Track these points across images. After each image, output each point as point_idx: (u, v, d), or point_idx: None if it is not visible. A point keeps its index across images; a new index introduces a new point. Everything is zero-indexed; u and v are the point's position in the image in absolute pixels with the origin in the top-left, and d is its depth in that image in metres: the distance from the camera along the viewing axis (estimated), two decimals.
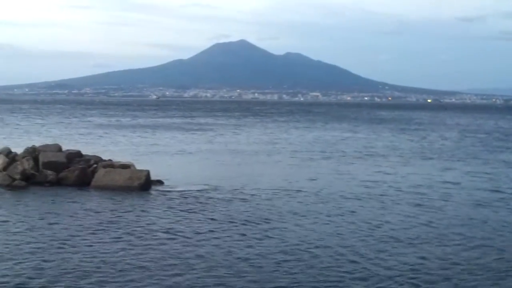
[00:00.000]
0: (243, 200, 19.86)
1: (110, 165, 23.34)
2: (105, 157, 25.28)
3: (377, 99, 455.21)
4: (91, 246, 13.45)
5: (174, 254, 13.02)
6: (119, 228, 15.30)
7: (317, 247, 13.90)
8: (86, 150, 26.80)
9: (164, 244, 13.87)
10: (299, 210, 18.35)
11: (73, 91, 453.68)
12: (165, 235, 14.72)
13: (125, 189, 21.36)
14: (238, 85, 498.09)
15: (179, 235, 14.75)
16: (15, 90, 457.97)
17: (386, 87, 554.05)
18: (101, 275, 11.35)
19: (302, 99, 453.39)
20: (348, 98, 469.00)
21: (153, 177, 22.62)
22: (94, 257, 12.55)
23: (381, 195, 21.45)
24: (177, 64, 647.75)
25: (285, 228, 15.82)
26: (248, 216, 17.21)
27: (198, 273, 11.67)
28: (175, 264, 12.20)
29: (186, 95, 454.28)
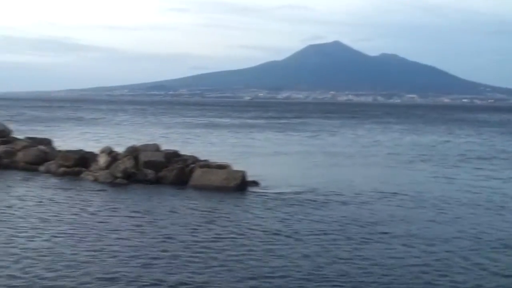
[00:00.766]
0: (342, 202, 19.45)
1: (206, 165, 23.59)
2: (201, 157, 25.57)
3: (477, 101, 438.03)
4: (195, 244, 13.50)
5: (279, 253, 12.90)
6: (219, 227, 15.37)
7: (424, 252, 13.35)
8: (183, 150, 27.24)
9: (267, 243, 13.78)
10: (400, 214, 17.74)
11: (169, 92, 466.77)
12: (266, 235, 14.63)
13: (221, 189, 21.48)
14: (332, 87, 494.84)
15: (280, 235, 14.60)
16: (115, 91, 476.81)
17: (488, 89, 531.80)
18: (210, 272, 11.37)
19: (398, 101, 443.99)
20: (447, 100, 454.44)
21: (249, 178, 22.62)
22: (200, 253, 12.64)
23: (487, 201, 20.39)
24: (271, 66, 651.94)
25: (389, 232, 15.29)
26: (349, 218, 16.79)
27: (306, 274, 11.50)
28: (282, 265, 12.08)
29: (279, 96, 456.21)
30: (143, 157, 23.61)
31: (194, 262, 12.08)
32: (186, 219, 16.30)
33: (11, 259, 11.86)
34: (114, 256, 12.29)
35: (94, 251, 12.63)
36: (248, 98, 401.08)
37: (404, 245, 13.97)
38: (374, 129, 67.42)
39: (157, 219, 16.14)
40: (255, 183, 22.78)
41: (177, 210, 17.61)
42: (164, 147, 26.79)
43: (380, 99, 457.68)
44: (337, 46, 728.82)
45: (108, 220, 15.83)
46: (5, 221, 15.39)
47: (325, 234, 14.92)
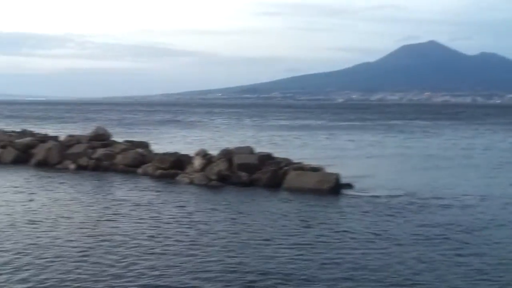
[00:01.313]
0: (441, 206, 18.67)
1: (300, 167, 23.43)
2: (294, 159, 25.43)
3: None
4: (292, 246, 13.33)
5: (375, 257, 12.61)
6: (314, 230, 15.17)
7: None
8: (276, 153, 27.20)
9: (363, 247, 13.50)
10: (505, 218, 16.88)
11: (262, 95, 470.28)
12: (362, 238, 14.31)
13: (315, 192, 21.24)
14: (427, 88, 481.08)
15: (377, 239, 14.25)
16: (209, 94, 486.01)
17: None
18: (307, 274, 11.19)
19: (498, 101, 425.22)
20: None
21: (343, 180, 22.24)
22: (297, 255, 12.46)
23: None
24: (364, 67, 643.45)
25: (492, 237, 14.57)
26: (450, 223, 16.11)
27: (403, 279, 11.16)
28: (378, 269, 11.77)
29: (372, 98, 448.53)
30: (237, 160, 23.77)
31: (292, 263, 11.98)
32: (280, 221, 16.18)
33: (117, 258, 12.17)
34: (207, 257, 12.34)
35: (191, 255, 12.72)
36: (341, 100, 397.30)
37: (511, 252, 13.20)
38: (473, 131, 64.84)
39: (252, 221, 16.12)
40: (349, 186, 22.36)
41: (271, 212, 17.53)
42: (258, 149, 26.88)
43: (480, 99, 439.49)
44: (432, 46, 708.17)
45: (204, 222, 15.96)
46: (108, 220, 15.87)
47: (424, 238, 14.35)
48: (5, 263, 11.67)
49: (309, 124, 78.17)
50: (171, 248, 13.08)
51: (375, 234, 14.78)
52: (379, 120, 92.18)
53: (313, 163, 24.91)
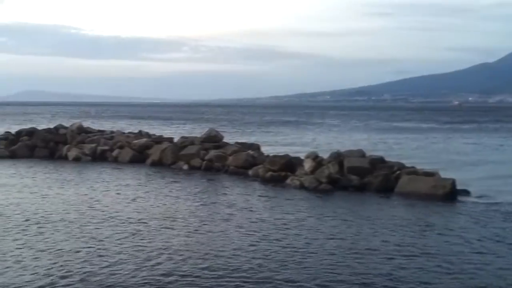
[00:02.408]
0: None
1: (413, 172, 22.68)
2: (407, 163, 24.68)
3: None
4: (411, 257, 12.84)
5: (496, 267, 12.03)
6: (430, 236, 14.60)
7: None
8: (388, 156, 26.53)
9: (481, 255, 12.85)
10: None
11: (372, 98, 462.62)
12: (480, 246, 13.59)
13: (428, 197, 20.46)
14: None
15: (497, 248, 13.48)
16: (318, 97, 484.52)
17: None
18: (420, 280, 10.78)
19: None
20: None
21: (458, 186, 21.27)
22: (413, 257, 12.04)
23: None
24: (482, 68, 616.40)
25: None
26: None
27: None
28: (498, 280, 11.18)
29: (491, 100, 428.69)
30: (348, 163, 23.40)
31: (405, 268, 11.59)
32: (394, 228, 15.65)
33: (238, 262, 12.29)
34: (320, 263, 12.17)
35: (301, 261, 12.61)
36: (457, 102, 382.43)
37: None
38: None
39: (366, 227, 15.70)
40: (465, 192, 21.36)
41: (383, 217, 17.04)
42: (369, 152, 26.35)
43: None
44: None
45: (316, 225, 15.76)
46: (222, 220, 16.10)
47: None
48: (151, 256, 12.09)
49: (423, 127, 75.87)
50: (278, 250, 13.00)
51: (494, 242, 13.99)
52: (498, 123, 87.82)
53: (427, 167, 24.05)
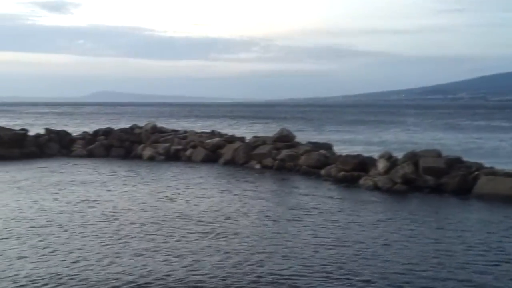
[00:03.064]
0: None
1: (493, 172, 21.84)
2: (486, 163, 23.81)
3: None
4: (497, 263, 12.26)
5: None
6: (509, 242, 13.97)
7: None
8: (466, 156, 25.66)
9: None
10: None
11: (448, 96, 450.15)
12: None
13: (509, 199, 19.64)
14: None
15: None
16: (390, 96, 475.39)
17: None
18: None
19: None
20: None
21: None
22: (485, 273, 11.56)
23: None
24: None
25: None
26: None
27: None
28: None
29: None
30: (423, 163, 22.78)
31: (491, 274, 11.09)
32: (476, 231, 15.07)
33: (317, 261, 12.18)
34: (402, 267, 11.86)
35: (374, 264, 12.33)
36: None
37: None
38: None
39: (444, 229, 15.23)
40: None
41: (464, 220, 16.47)
42: (446, 152, 25.59)
43: None
44: None
45: (393, 228, 15.41)
46: (295, 221, 15.99)
47: None
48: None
49: (503, 126, 73.18)
50: (363, 254, 12.74)
51: None
52: None
53: (508, 167, 23.12)
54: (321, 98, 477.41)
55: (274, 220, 16.05)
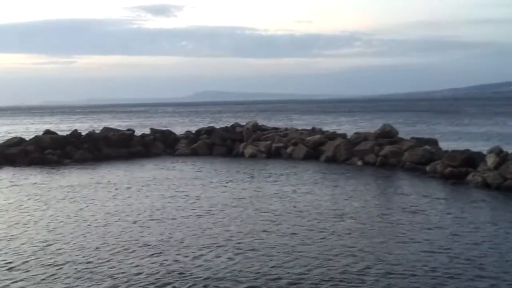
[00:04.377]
0: None
1: None
2: None
3: None
4: None
5: None
6: None
7: None
8: None
9: None
10: None
11: None
12: None
13: None
14: None
15: None
16: (503, 87, 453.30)
17: None
18: None
19: None
20: None
21: None
22: None
23: None
24: None
25: None
26: None
27: None
28: None
29: None
30: None
31: None
32: None
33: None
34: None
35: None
36: None
37: None
38: None
39: None
40: None
41: None
42: None
43: None
44: None
45: (506, 232, 14.64)
46: (399, 223, 15.55)
47: None
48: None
49: None
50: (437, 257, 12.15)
51: None
52: None
53: None
54: (423, 92, 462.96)
55: (378, 222, 15.61)
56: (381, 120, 63.09)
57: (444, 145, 29.63)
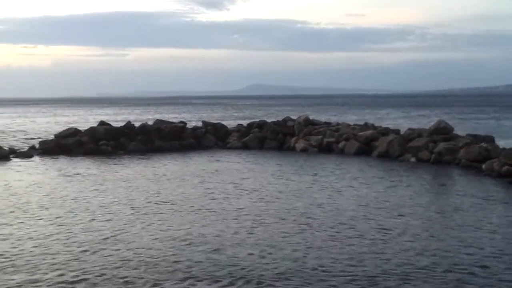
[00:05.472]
0: None
1: None
2: None
3: None
4: None
5: None
6: None
7: None
8: None
9: None
10: None
11: None
12: None
13: None
14: None
15: None
16: None
17: None
18: None
19: None
20: None
21: None
22: None
23: None
24: None
25: None
26: None
27: None
28: None
29: None
30: None
31: None
32: None
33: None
34: None
35: None
36: None
37: None
38: None
39: None
40: None
41: None
42: None
43: None
44: None
45: None
46: (453, 228, 15.19)
47: None
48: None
49: None
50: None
51: None
52: None
53: None
54: (479, 88, 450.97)
55: (446, 221, 15.29)
56: (435, 116, 61.91)
57: (503, 143, 28.74)
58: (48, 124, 64.47)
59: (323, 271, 10.75)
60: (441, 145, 27.14)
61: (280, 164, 26.66)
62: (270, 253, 11.84)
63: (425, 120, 58.03)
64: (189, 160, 28.69)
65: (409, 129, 31.57)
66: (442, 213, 15.84)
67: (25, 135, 47.16)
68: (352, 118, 63.92)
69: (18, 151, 31.84)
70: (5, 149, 30.74)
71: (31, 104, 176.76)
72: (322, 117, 52.20)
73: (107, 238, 13.15)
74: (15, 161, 28.53)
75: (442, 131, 28.79)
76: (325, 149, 32.32)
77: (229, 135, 36.72)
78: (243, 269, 10.85)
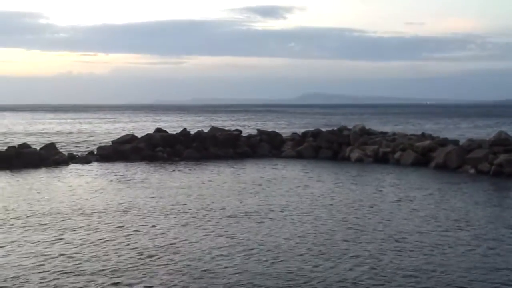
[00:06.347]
0: None
1: None
2: None
3: None
4: None
5: None
6: None
7: None
8: None
9: None
10: None
11: None
12: None
13: None
14: None
15: None
16: None
17: None
18: None
19: None
20: None
21: None
22: None
23: None
24: None
25: None
26: None
27: None
28: None
29: None
30: None
31: None
32: None
33: None
34: None
35: None
36: None
37: None
38: None
39: None
40: None
41: None
42: None
43: None
44: None
45: None
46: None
47: None
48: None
49: None
50: None
51: None
52: None
53: None
54: None
55: (492, 237, 14.80)
56: (496, 126, 60.20)
57: None
58: (107, 130, 65.92)
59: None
60: (502, 157, 26.30)
61: (336, 173, 26.46)
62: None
63: (485, 131, 56.43)
64: (245, 168, 28.74)
65: (469, 140, 30.76)
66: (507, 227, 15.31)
67: (84, 140, 48.35)
68: (409, 127, 62.79)
69: (77, 156, 32.60)
70: (64, 155, 31.55)
71: (91, 110, 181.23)
72: (379, 127, 51.50)
73: (172, 244, 13.38)
74: (74, 167, 29.22)
75: (503, 143, 27.91)
76: (381, 159, 31.79)
77: (284, 143, 36.62)
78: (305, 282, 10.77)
